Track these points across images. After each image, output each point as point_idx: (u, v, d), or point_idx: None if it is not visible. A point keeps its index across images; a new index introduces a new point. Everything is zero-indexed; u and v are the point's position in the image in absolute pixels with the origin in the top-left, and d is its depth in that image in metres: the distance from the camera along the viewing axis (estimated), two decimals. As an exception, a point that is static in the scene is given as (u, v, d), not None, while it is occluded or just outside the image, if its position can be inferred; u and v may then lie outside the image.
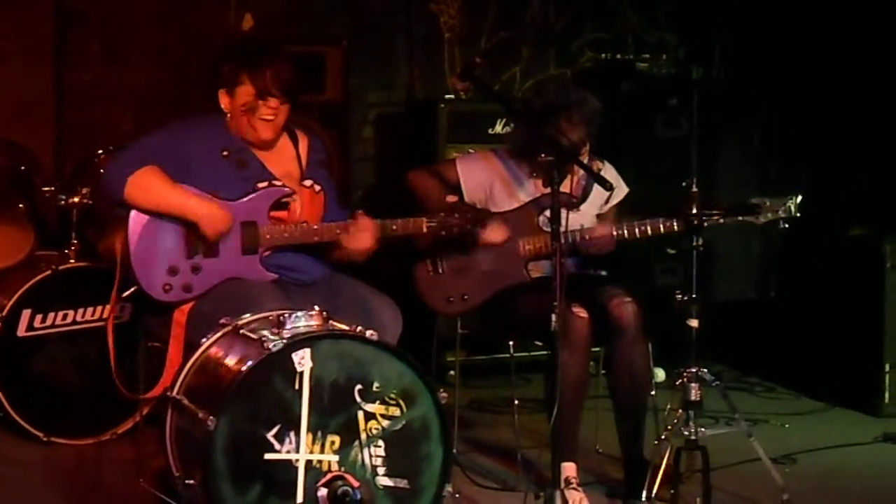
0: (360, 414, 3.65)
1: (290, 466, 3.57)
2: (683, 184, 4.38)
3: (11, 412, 4.99)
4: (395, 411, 3.69)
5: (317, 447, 3.60)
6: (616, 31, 7.09)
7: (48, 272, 5.06)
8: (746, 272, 7.01)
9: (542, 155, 4.14)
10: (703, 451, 4.30)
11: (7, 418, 5.02)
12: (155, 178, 4.17)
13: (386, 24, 6.76)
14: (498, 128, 6.19)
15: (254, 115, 4.28)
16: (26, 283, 5.04)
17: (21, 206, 5.33)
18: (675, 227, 4.55)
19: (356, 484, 3.60)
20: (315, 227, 4.31)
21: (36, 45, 6.07)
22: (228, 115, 4.32)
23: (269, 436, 3.56)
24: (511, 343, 4.95)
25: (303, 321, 3.70)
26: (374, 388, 3.67)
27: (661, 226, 4.61)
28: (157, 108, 5.97)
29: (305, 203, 4.36)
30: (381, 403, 3.68)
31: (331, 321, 3.78)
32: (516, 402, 4.92)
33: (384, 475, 3.68)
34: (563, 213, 4.08)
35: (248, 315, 3.89)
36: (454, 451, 4.05)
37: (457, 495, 3.91)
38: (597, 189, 4.67)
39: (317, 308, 3.74)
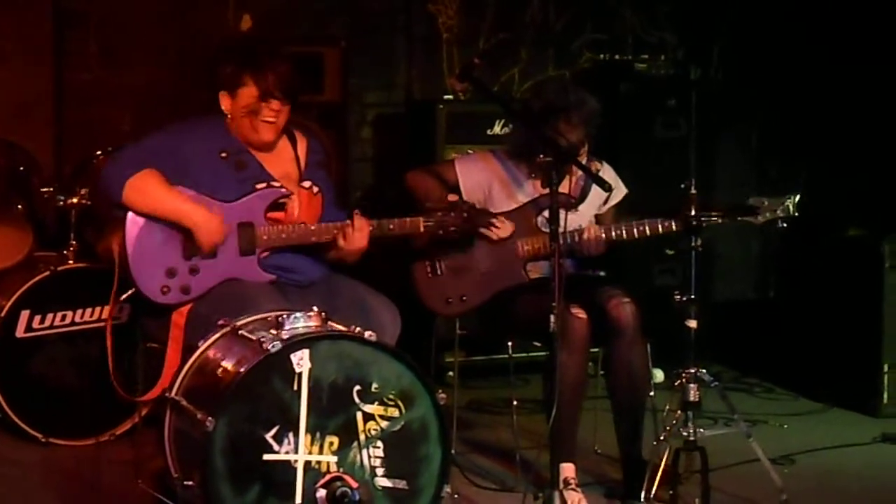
0: (359, 415, 3.65)
1: (288, 467, 3.57)
2: (682, 185, 4.38)
3: (10, 413, 4.99)
4: (394, 412, 3.69)
5: (315, 448, 3.60)
6: (615, 31, 7.08)
7: (47, 273, 5.06)
8: (745, 272, 7.02)
9: (541, 156, 4.14)
10: (701, 452, 4.30)
11: (6, 419, 5.01)
12: (153, 182, 4.16)
13: (385, 25, 6.76)
14: (497, 129, 6.19)
15: (256, 116, 4.28)
16: (25, 284, 5.03)
17: (20, 206, 5.32)
18: (674, 228, 4.56)
19: (355, 485, 3.60)
20: (312, 227, 4.31)
21: (35, 46, 6.06)
22: (229, 116, 4.32)
23: (268, 437, 3.56)
24: (510, 344, 4.94)
25: (301, 322, 3.70)
26: (373, 389, 3.67)
27: (660, 226, 4.61)
28: (157, 109, 5.97)
29: (303, 204, 4.36)
30: (379, 404, 3.68)
31: (329, 322, 3.78)
32: (515, 402, 4.93)
33: (383, 476, 3.68)
34: (562, 213, 4.08)
35: (246, 316, 3.89)
36: (453, 451, 4.06)
37: (455, 496, 3.91)
38: (595, 190, 4.67)
39: (315, 309, 3.75)
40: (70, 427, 5.05)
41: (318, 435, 3.60)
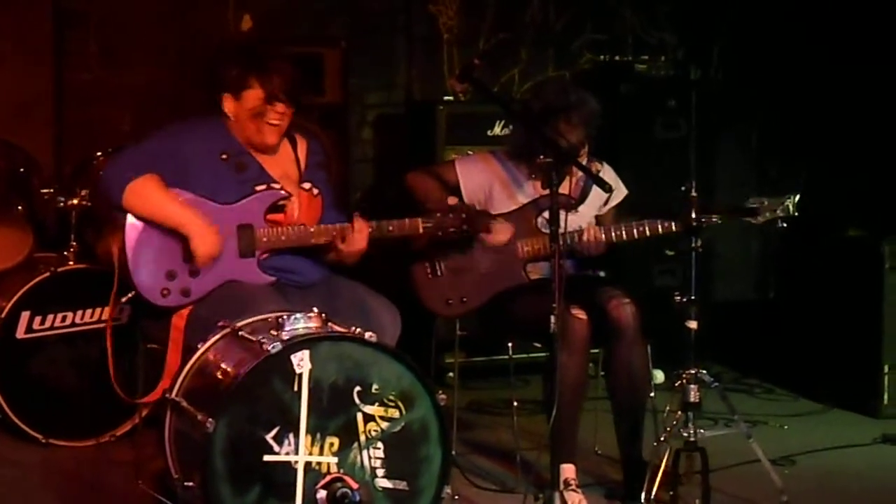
0: (359, 416, 3.65)
1: (289, 468, 3.57)
2: (683, 188, 4.38)
3: (10, 414, 4.99)
4: (394, 413, 3.69)
5: (316, 449, 3.60)
6: (615, 32, 7.08)
7: (47, 274, 5.05)
8: (745, 273, 7.02)
9: (541, 156, 4.14)
10: (702, 453, 4.30)
11: (6, 420, 5.01)
12: (154, 188, 4.16)
13: (385, 25, 6.75)
14: (497, 129, 6.18)
15: (261, 119, 4.27)
16: (25, 285, 5.03)
17: (20, 207, 5.32)
18: (674, 229, 4.56)
19: (355, 486, 3.60)
20: (312, 229, 4.31)
21: (35, 46, 6.06)
22: (232, 118, 4.31)
23: (268, 438, 3.56)
24: (510, 345, 4.94)
25: (301, 323, 3.70)
26: (373, 390, 3.67)
27: (660, 227, 4.61)
28: (157, 109, 5.97)
29: (303, 206, 4.36)
30: (380, 405, 3.68)
31: (329, 323, 3.78)
32: (515, 403, 4.92)
33: (383, 477, 3.68)
34: (562, 214, 4.08)
35: (246, 318, 3.89)
36: (453, 452, 4.05)
37: (456, 497, 3.91)
38: (595, 190, 4.67)
39: (315, 310, 3.75)
40: (70, 428, 5.05)
41: (318, 436, 3.60)
